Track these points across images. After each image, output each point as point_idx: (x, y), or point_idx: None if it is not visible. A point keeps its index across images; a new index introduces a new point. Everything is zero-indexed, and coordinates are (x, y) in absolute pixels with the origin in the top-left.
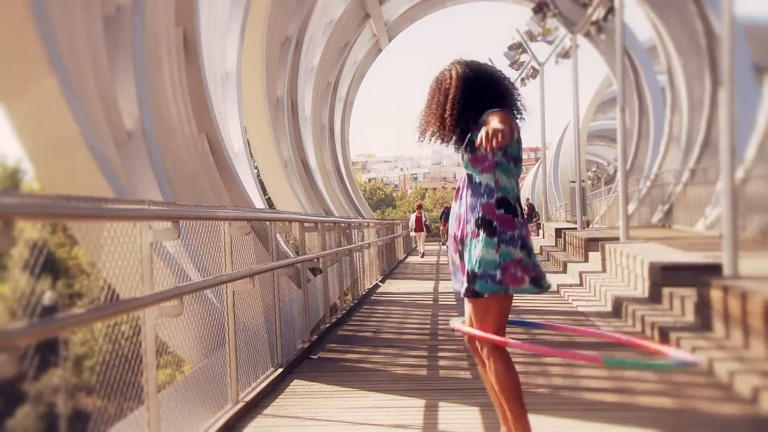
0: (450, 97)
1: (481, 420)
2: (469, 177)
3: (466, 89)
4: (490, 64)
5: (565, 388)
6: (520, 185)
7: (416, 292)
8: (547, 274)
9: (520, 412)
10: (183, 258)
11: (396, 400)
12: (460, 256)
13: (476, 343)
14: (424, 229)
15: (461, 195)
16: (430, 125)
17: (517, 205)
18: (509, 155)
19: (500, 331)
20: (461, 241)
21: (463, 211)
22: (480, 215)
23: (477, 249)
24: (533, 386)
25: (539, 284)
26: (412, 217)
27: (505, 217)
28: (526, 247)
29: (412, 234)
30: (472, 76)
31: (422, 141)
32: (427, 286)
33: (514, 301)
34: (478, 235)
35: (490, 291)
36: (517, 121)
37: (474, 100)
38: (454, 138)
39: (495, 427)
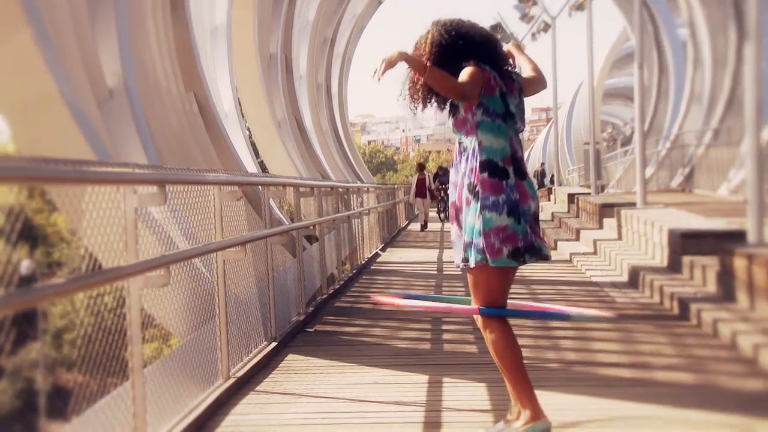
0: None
1: (488, 396)
2: (459, 142)
3: (440, 52)
4: (470, 21)
5: (577, 363)
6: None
7: (419, 261)
8: (544, 246)
9: (523, 384)
10: (170, 225)
11: (397, 375)
12: (459, 225)
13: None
14: (428, 194)
15: (458, 161)
16: (412, 93)
17: (509, 166)
18: (492, 112)
19: (492, 304)
20: (459, 210)
21: (459, 178)
22: (469, 181)
23: (469, 216)
24: (543, 361)
25: (521, 256)
26: (413, 180)
27: (488, 180)
28: (515, 212)
29: (413, 200)
30: (446, 37)
31: (413, 111)
32: (431, 254)
33: (523, 270)
34: (469, 202)
35: (476, 260)
36: (508, 72)
37: (450, 60)
38: (435, 104)
39: (504, 403)
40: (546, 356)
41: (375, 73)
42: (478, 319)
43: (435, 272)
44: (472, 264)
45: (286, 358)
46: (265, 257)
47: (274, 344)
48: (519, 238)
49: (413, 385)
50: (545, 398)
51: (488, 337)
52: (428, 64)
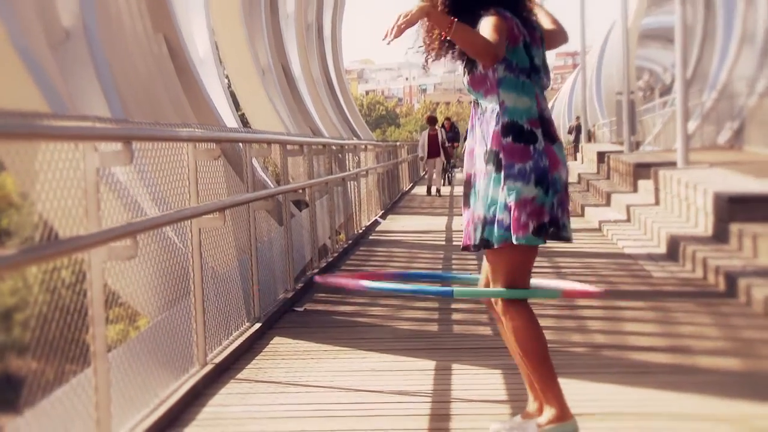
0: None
1: (504, 385)
2: (476, 103)
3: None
4: None
5: (606, 346)
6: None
7: (425, 230)
8: (568, 226)
9: (548, 378)
10: (137, 188)
11: (400, 361)
12: (464, 202)
13: (492, 300)
14: (442, 153)
15: (473, 125)
16: (428, 44)
17: (537, 128)
18: (515, 67)
19: (516, 288)
20: (471, 183)
21: (475, 145)
22: (488, 148)
23: (490, 189)
24: (567, 345)
25: (546, 233)
26: (424, 135)
27: (513, 146)
28: (543, 182)
29: (422, 160)
30: None
31: (427, 67)
32: (439, 222)
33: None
34: (486, 173)
35: (498, 240)
36: (529, 19)
37: (466, 7)
38: (451, 56)
39: (521, 393)
40: (571, 339)
41: (389, 33)
42: (497, 304)
43: (443, 243)
44: (495, 244)
45: (271, 342)
46: (247, 225)
47: (257, 326)
48: (546, 211)
49: (418, 372)
50: (569, 387)
51: (508, 324)
52: (454, 20)
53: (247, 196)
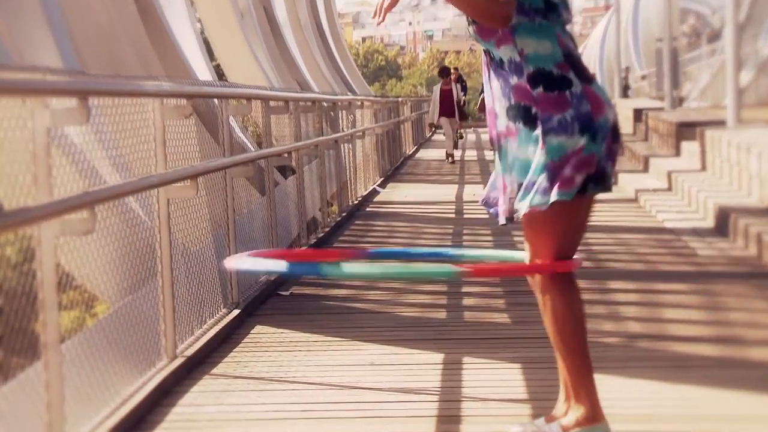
0: None
1: (524, 382)
2: (488, 54)
3: None
4: None
5: (643, 336)
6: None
7: (431, 201)
8: (612, 171)
9: (586, 372)
10: (94, 151)
11: (402, 354)
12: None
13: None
14: (457, 112)
15: (488, 78)
16: None
17: (568, 71)
18: (528, 10)
19: (565, 258)
20: (499, 145)
21: (494, 102)
22: (512, 103)
23: (521, 149)
24: (597, 334)
25: (592, 186)
26: (436, 90)
27: (546, 96)
28: (589, 128)
29: (434, 120)
30: None
31: None
32: (448, 192)
33: None
34: (515, 131)
35: (534, 205)
36: None
37: None
38: None
39: (544, 390)
40: (601, 328)
41: (377, 14)
42: (534, 278)
43: (453, 215)
44: (528, 209)
45: (252, 331)
46: (224, 195)
47: (236, 312)
48: (595, 161)
49: (423, 367)
50: (601, 383)
51: (548, 303)
52: None
53: (223, 161)
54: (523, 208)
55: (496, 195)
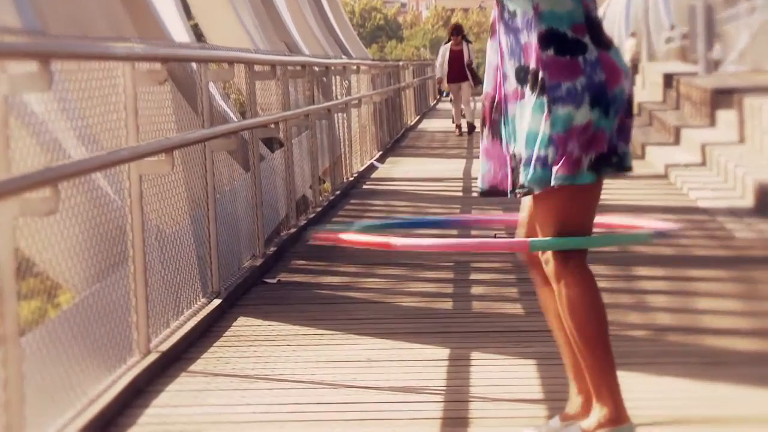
0: None
1: (539, 380)
2: (499, 4)
3: None
4: None
5: (673, 329)
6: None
7: (435, 177)
8: (628, 154)
9: (605, 367)
10: (58, 122)
11: (403, 349)
12: (493, 132)
13: (540, 256)
14: (469, 76)
15: (495, 32)
16: None
17: (584, 35)
18: None
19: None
20: (500, 109)
21: (500, 60)
22: (522, 64)
23: (525, 117)
24: (623, 327)
25: (606, 167)
26: (443, 51)
27: (557, 60)
28: (601, 101)
29: (442, 85)
30: None
31: None
32: (454, 167)
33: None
34: (522, 95)
35: (539, 183)
36: None
37: None
38: None
39: (560, 389)
40: (627, 319)
41: None
42: (548, 264)
43: (459, 193)
44: (536, 189)
45: (234, 324)
46: (203, 171)
47: (216, 302)
48: (606, 138)
49: (426, 363)
50: (626, 382)
51: (563, 292)
52: None
53: (202, 132)
54: (525, 184)
55: (493, 175)
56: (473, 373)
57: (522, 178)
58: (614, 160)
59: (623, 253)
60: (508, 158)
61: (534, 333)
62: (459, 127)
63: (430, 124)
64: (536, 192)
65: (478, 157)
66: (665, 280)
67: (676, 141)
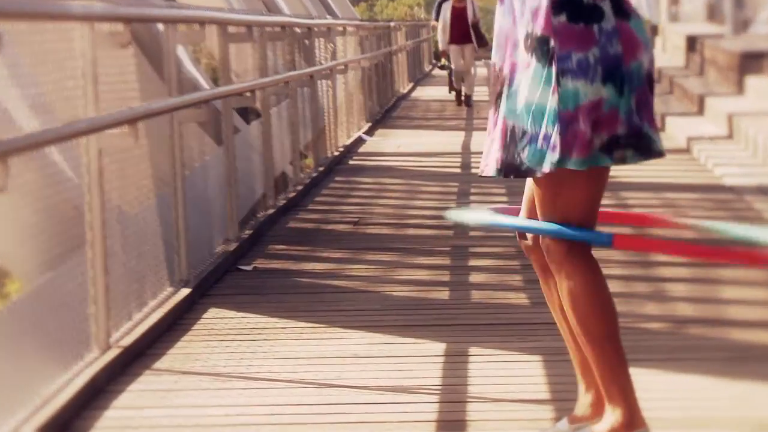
0: None
1: (544, 377)
2: None
3: None
4: None
5: (694, 321)
6: None
7: (431, 152)
8: (656, 137)
9: (616, 365)
10: (7, 89)
11: (393, 344)
12: (497, 106)
13: (540, 243)
14: (474, 37)
15: None
16: None
17: (600, 0)
18: None
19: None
20: (506, 79)
21: (509, 24)
22: (530, 30)
23: (530, 90)
24: (639, 319)
25: (620, 149)
26: (444, 8)
27: (568, 28)
28: (615, 76)
29: (443, 47)
30: None
31: None
32: (452, 140)
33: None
34: (532, 65)
35: (542, 163)
36: None
37: None
38: None
39: (568, 388)
40: (644, 310)
41: None
42: (548, 252)
43: (458, 170)
44: (539, 171)
45: (205, 316)
46: (171, 146)
47: (185, 292)
48: (620, 118)
49: (420, 360)
50: (641, 380)
51: (564, 283)
52: None
53: (170, 102)
54: (526, 163)
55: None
56: (471, 371)
57: (523, 157)
58: (638, 142)
59: (640, 236)
60: (504, 131)
61: (540, 326)
62: (459, 93)
63: (424, 92)
64: (538, 174)
65: (478, 129)
66: (686, 267)
67: (700, 111)
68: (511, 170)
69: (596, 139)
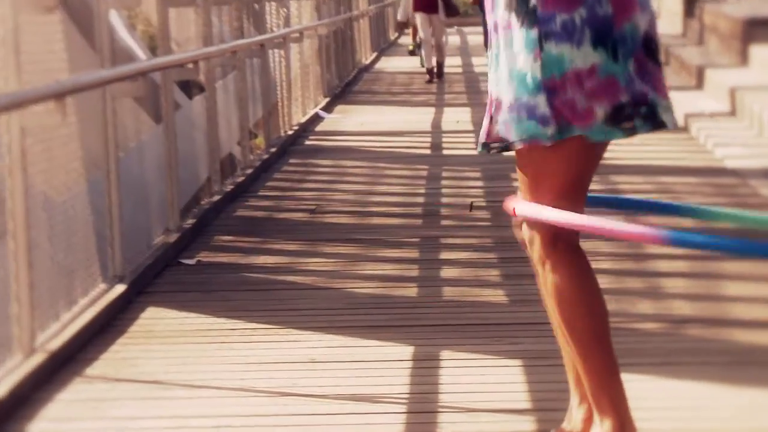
0: None
1: (526, 384)
2: None
3: None
4: None
5: (694, 321)
6: None
7: (397, 131)
8: (665, 103)
9: (604, 371)
10: None
11: (355, 347)
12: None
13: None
14: (441, 5)
15: None
16: None
17: None
18: None
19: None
20: (491, 42)
21: None
22: None
23: (512, 55)
24: (632, 318)
25: (628, 119)
26: None
27: None
28: (605, 40)
29: (410, 16)
30: None
31: None
32: (420, 118)
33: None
34: (513, 27)
35: (528, 136)
36: None
37: None
38: None
39: (556, 394)
40: (637, 309)
41: None
42: (532, 245)
43: (427, 151)
44: (519, 143)
45: (143, 315)
46: (103, 124)
47: (120, 289)
48: (620, 86)
49: (385, 365)
50: (635, 387)
51: (549, 278)
52: None
53: (102, 74)
54: (511, 137)
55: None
56: (443, 377)
57: (507, 130)
58: (647, 110)
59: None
60: (490, 103)
61: (519, 326)
62: (431, 72)
63: (390, 63)
64: (518, 147)
65: (451, 105)
66: (684, 260)
67: (699, 84)
68: (496, 145)
69: (598, 110)
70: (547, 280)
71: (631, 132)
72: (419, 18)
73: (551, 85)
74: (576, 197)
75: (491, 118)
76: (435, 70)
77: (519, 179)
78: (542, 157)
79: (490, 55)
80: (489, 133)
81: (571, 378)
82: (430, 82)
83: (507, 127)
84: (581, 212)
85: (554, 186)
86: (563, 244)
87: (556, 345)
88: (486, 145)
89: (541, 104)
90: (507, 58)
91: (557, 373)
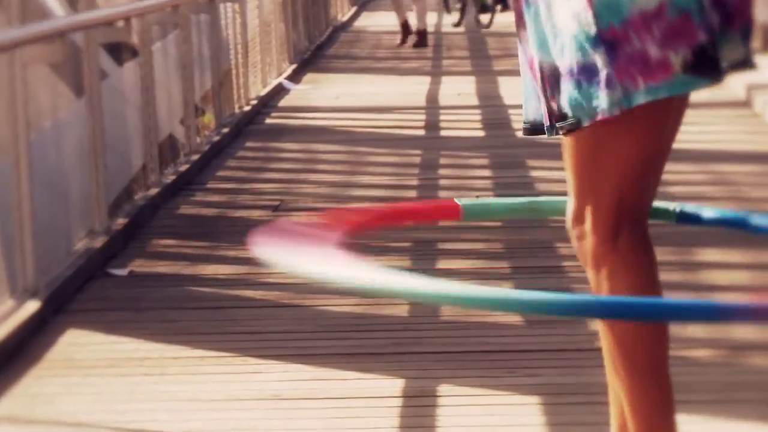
0: None
1: (544, 426)
2: None
3: None
4: None
5: (758, 347)
6: None
7: (382, 106)
8: (745, 45)
9: (657, 404)
10: None
11: (331, 380)
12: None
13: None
14: None
15: None
16: None
17: None
18: None
19: (629, 209)
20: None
21: None
22: None
23: (551, 8)
24: (684, 343)
25: (715, 66)
26: None
27: None
28: None
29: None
30: None
31: None
32: (411, 90)
33: None
34: None
35: (584, 108)
36: None
37: None
38: None
39: None
40: (688, 333)
41: None
42: (583, 240)
43: (421, 132)
44: (585, 120)
45: (61, 339)
46: (11, 97)
47: (33, 306)
48: (694, 24)
49: (367, 402)
50: (688, 430)
51: (604, 285)
52: None
53: (10, 34)
54: (568, 112)
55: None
56: (441, 418)
57: (561, 101)
58: (730, 46)
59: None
60: (533, 75)
61: (539, 354)
62: (405, 26)
63: (372, 20)
64: (585, 123)
65: (449, 74)
66: (748, 270)
67: (765, 47)
68: (563, 124)
69: (674, 57)
70: (602, 289)
71: (718, 79)
72: None
73: (610, 37)
74: (647, 185)
75: (546, 90)
76: (415, 31)
77: (565, 165)
78: (606, 130)
79: (526, 12)
80: (551, 111)
81: (615, 423)
82: (402, 43)
83: (566, 100)
84: (647, 211)
85: (620, 170)
86: (627, 239)
87: (588, 378)
88: (552, 128)
89: (600, 63)
90: (548, 15)
91: (586, 412)
